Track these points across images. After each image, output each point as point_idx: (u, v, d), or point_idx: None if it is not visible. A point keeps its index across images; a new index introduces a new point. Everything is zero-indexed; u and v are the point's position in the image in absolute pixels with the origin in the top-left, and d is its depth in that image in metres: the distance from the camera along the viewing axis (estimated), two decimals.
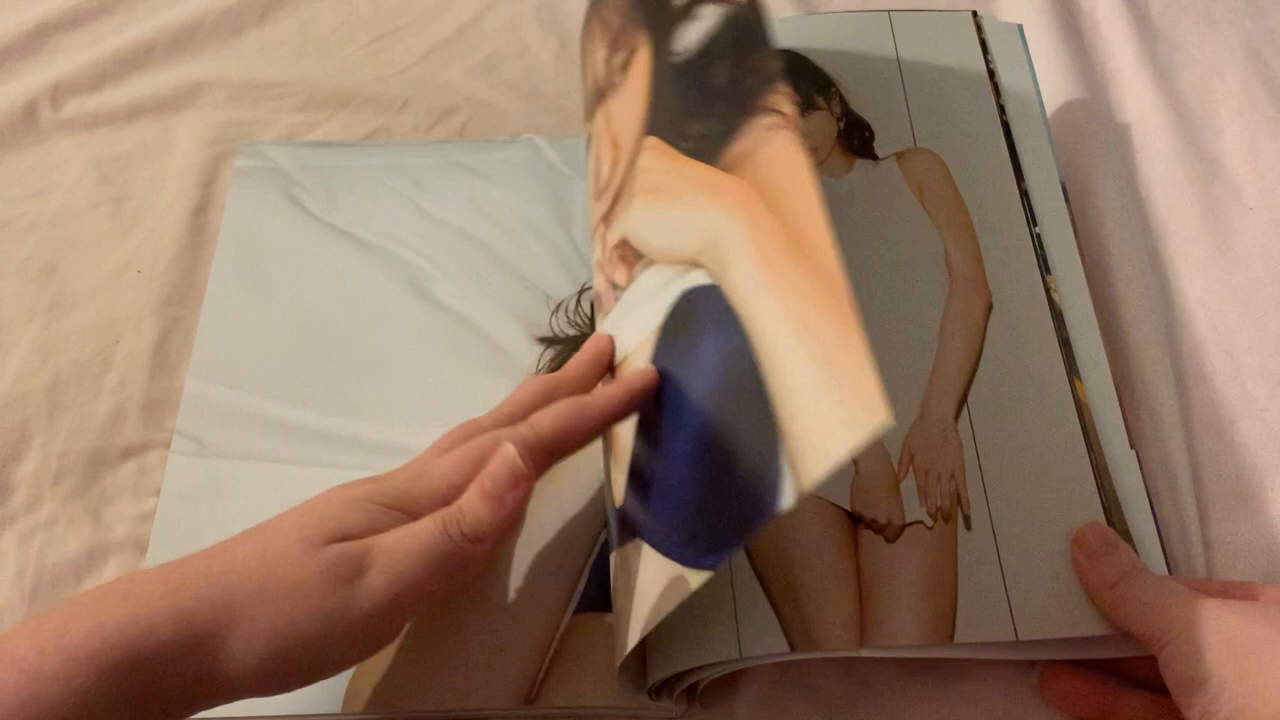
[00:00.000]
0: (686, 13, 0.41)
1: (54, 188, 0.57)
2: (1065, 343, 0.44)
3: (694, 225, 0.38)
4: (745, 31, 0.37)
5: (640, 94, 0.44)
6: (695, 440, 0.35)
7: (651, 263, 0.41)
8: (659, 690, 0.39)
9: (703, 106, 0.39)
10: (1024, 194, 0.47)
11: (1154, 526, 0.41)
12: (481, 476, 0.34)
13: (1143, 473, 0.43)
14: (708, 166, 0.38)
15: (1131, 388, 0.47)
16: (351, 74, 0.62)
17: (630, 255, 0.42)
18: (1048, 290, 0.45)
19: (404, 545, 0.33)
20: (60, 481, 0.47)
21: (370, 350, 0.50)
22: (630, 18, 0.47)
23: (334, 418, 0.48)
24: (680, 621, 0.38)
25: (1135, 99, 0.58)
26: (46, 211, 0.56)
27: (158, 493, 0.46)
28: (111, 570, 0.45)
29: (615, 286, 0.43)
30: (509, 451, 0.34)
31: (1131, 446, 0.43)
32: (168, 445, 0.47)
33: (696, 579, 0.33)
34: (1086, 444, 0.42)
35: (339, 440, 0.47)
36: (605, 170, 0.46)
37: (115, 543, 0.45)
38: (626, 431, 0.40)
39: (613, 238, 0.44)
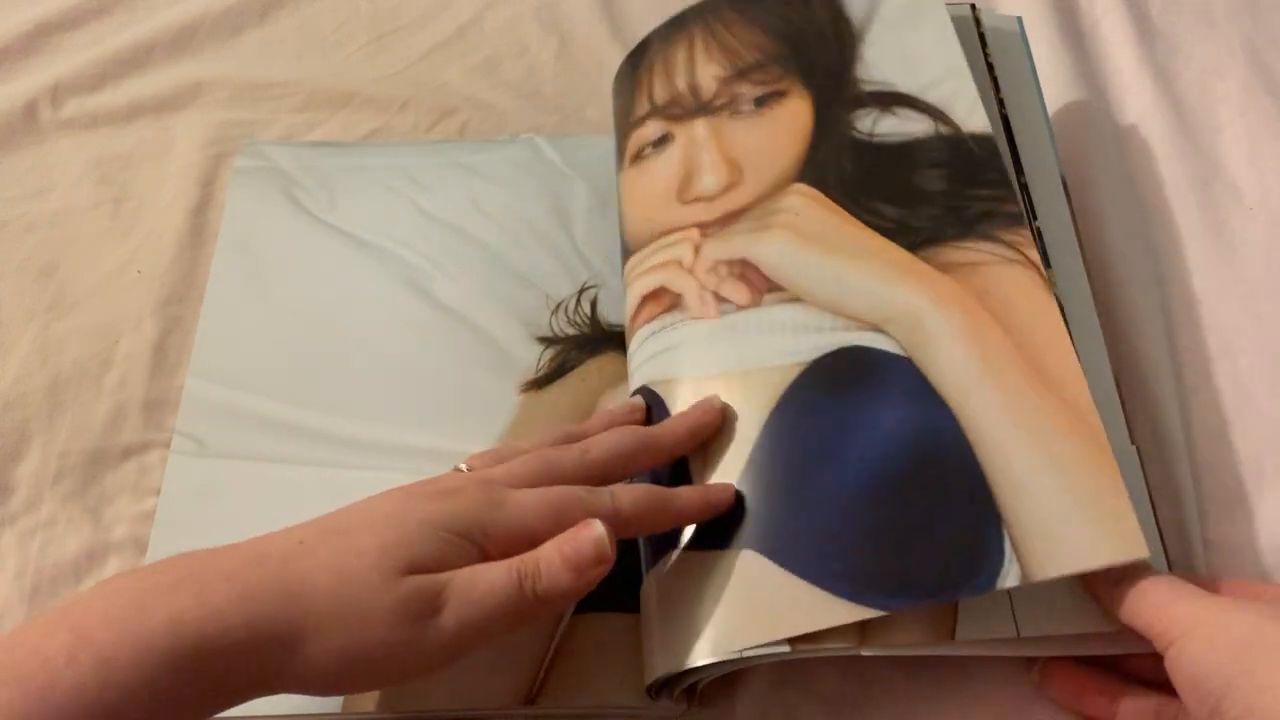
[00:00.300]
0: (883, 105, 0.47)
1: (54, 188, 0.57)
2: None
3: (885, 295, 0.42)
4: (974, 161, 0.44)
5: (792, 140, 0.48)
6: (878, 486, 0.38)
7: (797, 300, 0.43)
8: (659, 690, 0.39)
9: (905, 198, 0.44)
10: (1023, 188, 0.47)
11: (1154, 525, 0.41)
12: (564, 542, 0.34)
13: (1143, 471, 0.43)
14: (902, 249, 0.43)
15: (1131, 387, 0.47)
16: (351, 74, 0.62)
17: (760, 280, 0.44)
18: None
19: (478, 591, 0.33)
20: (60, 481, 0.47)
21: (370, 350, 0.50)
22: (775, 61, 0.50)
23: (334, 418, 0.48)
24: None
25: (1135, 99, 0.58)
26: (46, 211, 0.56)
27: (158, 493, 0.46)
28: (111, 570, 0.45)
29: (721, 299, 0.44)
30: (599, 531, 0.34)
31: (1131, 443, 0.43)
32: (168, 445, 0.47)
33: (855, 613, 0.35)
34: None
35: (339, 440, 0.47)
36: (709, 182, 0.48)
37: (115, 543, 0.45)
38: (719, 437, 0.41)
39: (721, 252, 0.45)
